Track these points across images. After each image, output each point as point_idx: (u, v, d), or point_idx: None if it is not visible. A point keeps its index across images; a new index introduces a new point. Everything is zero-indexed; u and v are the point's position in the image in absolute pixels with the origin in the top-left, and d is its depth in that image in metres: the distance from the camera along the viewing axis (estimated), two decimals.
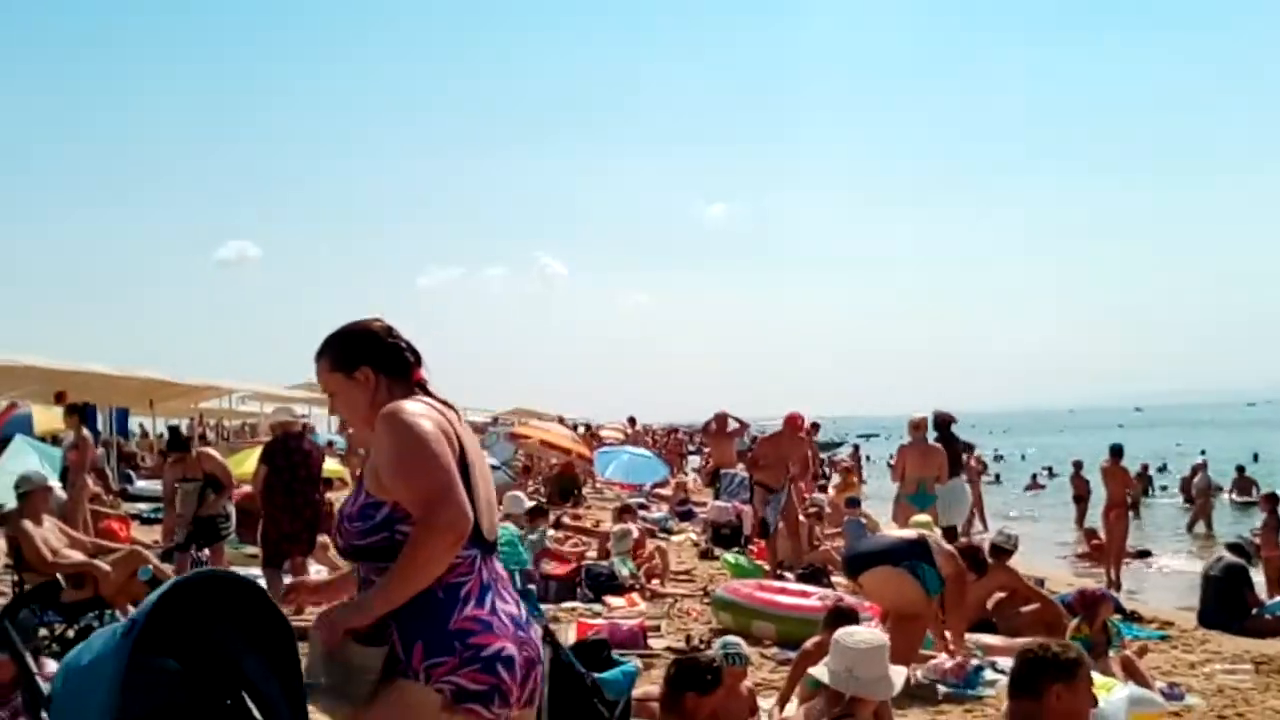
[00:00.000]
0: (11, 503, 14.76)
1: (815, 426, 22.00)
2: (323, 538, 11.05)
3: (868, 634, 5.02)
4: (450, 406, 3.26)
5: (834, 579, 11.78)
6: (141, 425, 33.08)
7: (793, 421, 13.81)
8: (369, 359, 3.27)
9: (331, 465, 17.00)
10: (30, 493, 8.91)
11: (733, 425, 18.81)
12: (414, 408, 3.12)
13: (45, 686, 2.99)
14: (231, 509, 11.17)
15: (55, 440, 22.43)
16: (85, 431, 13.95)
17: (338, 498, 18.76)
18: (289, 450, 10.38)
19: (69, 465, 11.79)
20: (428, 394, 3.27)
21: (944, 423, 13.91)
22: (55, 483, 9.97)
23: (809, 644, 6.86)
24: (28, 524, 8.70)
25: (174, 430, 14.05)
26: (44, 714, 2.96)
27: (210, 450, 13.04)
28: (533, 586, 5.44)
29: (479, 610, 3.04)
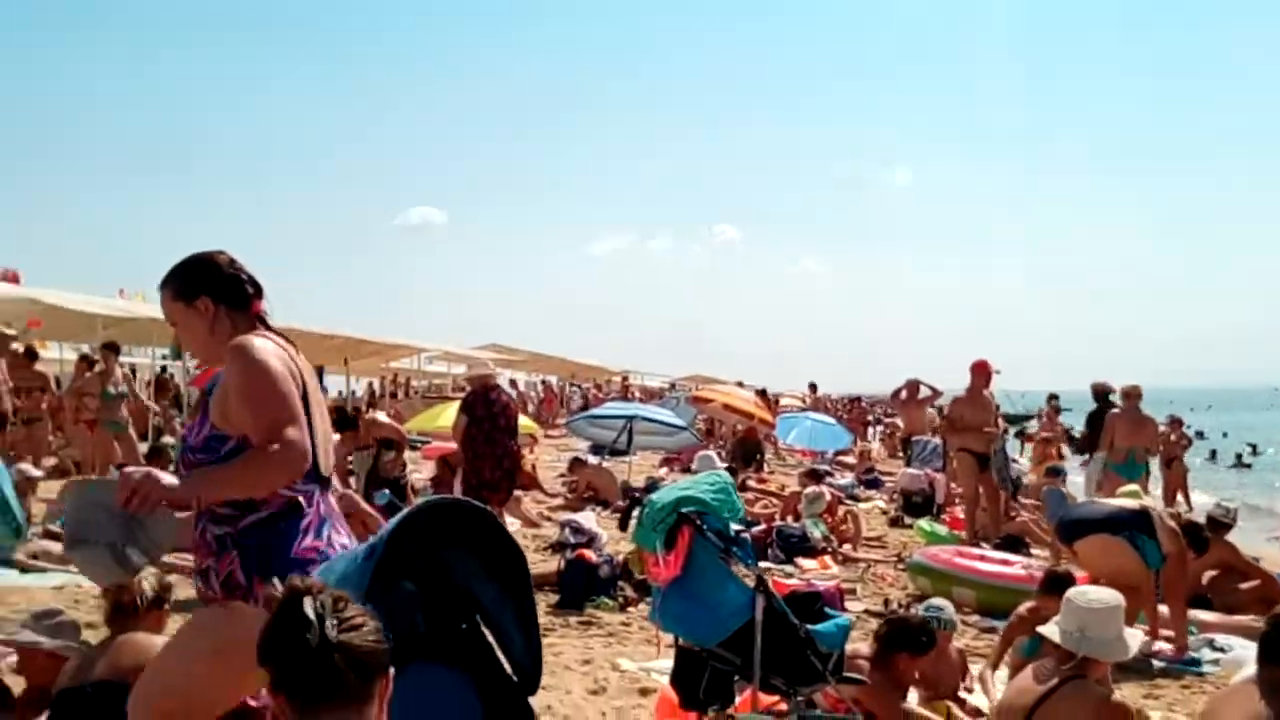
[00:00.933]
0: None
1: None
2: (517, 491, 11.24)
3: (1103, 593, 4.76)
4: (290, 342, 3.34)
5: (1033, 550, 11.43)
6: (335, 390, 34.24)
7: (982, 368, 12.85)
8: (208, 289, 3.32)
9: (524, 420, 17.27)
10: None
11: (924, 393, 18.34)
12: (262, 344, 3.21)
13: None
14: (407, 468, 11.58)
15: None
16: None
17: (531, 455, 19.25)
18: (488, 401, 10.60)
19: None
20: (267, 328, 3.35)
21: (1101, 393, 13.40)
22: None
23: (1022, 609, 6.62)
24: None
25: (340, 409, 14.45)
26: None
27: (379, 416, 13.42)
28: (747, 535, 5.33)
29: (318, 542, 3.20)
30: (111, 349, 15.02)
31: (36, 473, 11.46)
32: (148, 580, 4.09)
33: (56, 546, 9.47)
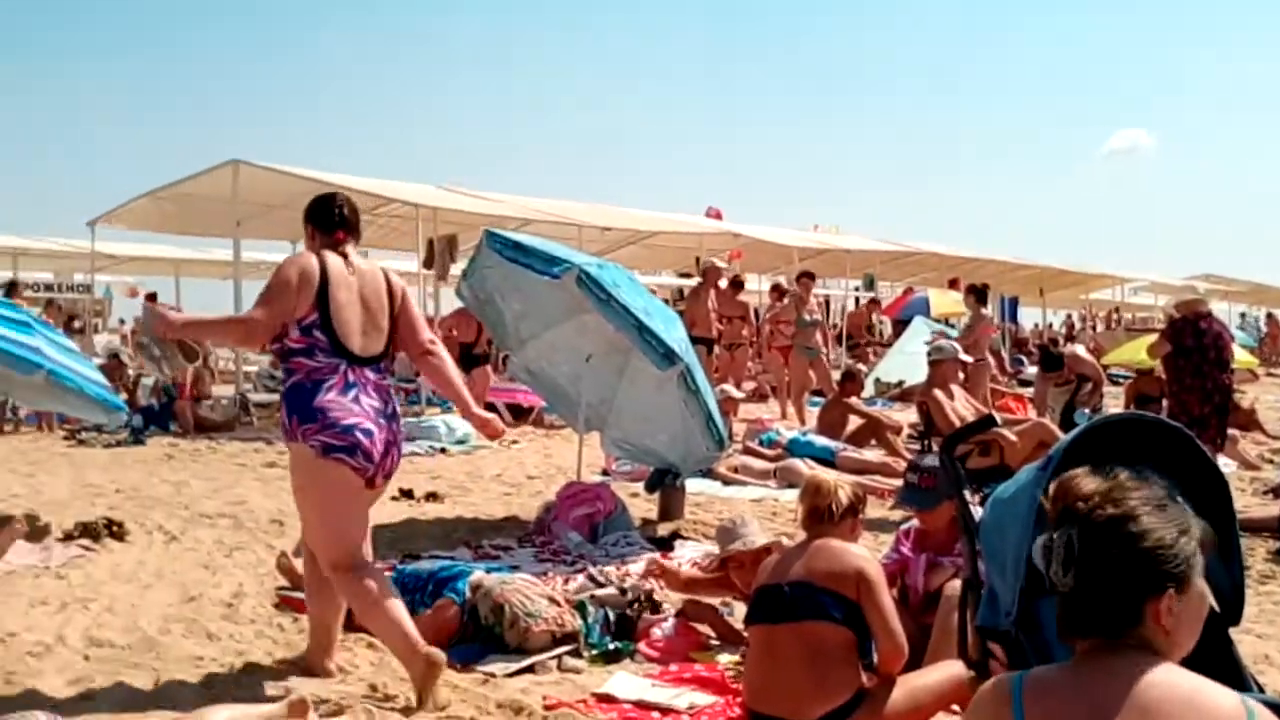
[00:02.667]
0: (911, 380, 15.72)
1: None
2: (1232, 431, 10.05)
3: None
4: (348, 264, 4.48)
5: None
6: (1031, 322, 33.31)
7: None
8: (311, 218, 4.67)
9: (1242, 355, 15.56)
10: (940, 362, 9.17)
11: None
12: (297, 258, 4.49)
13: (977, 514, 2.83)
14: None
15: (948, 322, 23.41)
16: (985, 310, 14.29)
17: (1251, 392, 17.41)
18: (1198, 332, 9.48)
19: (965, 346, 12.04)
20: (340, 251, 4.51)
21: None
22: (964, 357, 10.17)
23: None
24: (938, 392, 8.93)
25: (1044, 350, 13.84)
26: (976, 540, 2.89)
27: (1078, 350, 12.55)
28: None
29: (340, 397, 4.32)
30: (808, 277, 15.62)
31: (738, 394, 12.15)
32: (843, 489, 4.06)
33: (757, 463, 9.94)
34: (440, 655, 4.21)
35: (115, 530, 7.10)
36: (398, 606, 4.35)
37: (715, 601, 5.20)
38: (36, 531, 7.00)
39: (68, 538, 6.96)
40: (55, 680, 4.43)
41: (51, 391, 7.01)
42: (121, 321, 28.86)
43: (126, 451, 11.58)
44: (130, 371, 15.48)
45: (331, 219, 4.59)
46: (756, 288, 22.36)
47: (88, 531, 7.01)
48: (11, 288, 16.13)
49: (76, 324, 19.52)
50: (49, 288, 25.15)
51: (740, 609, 4.98)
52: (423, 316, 4.91)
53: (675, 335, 7.14)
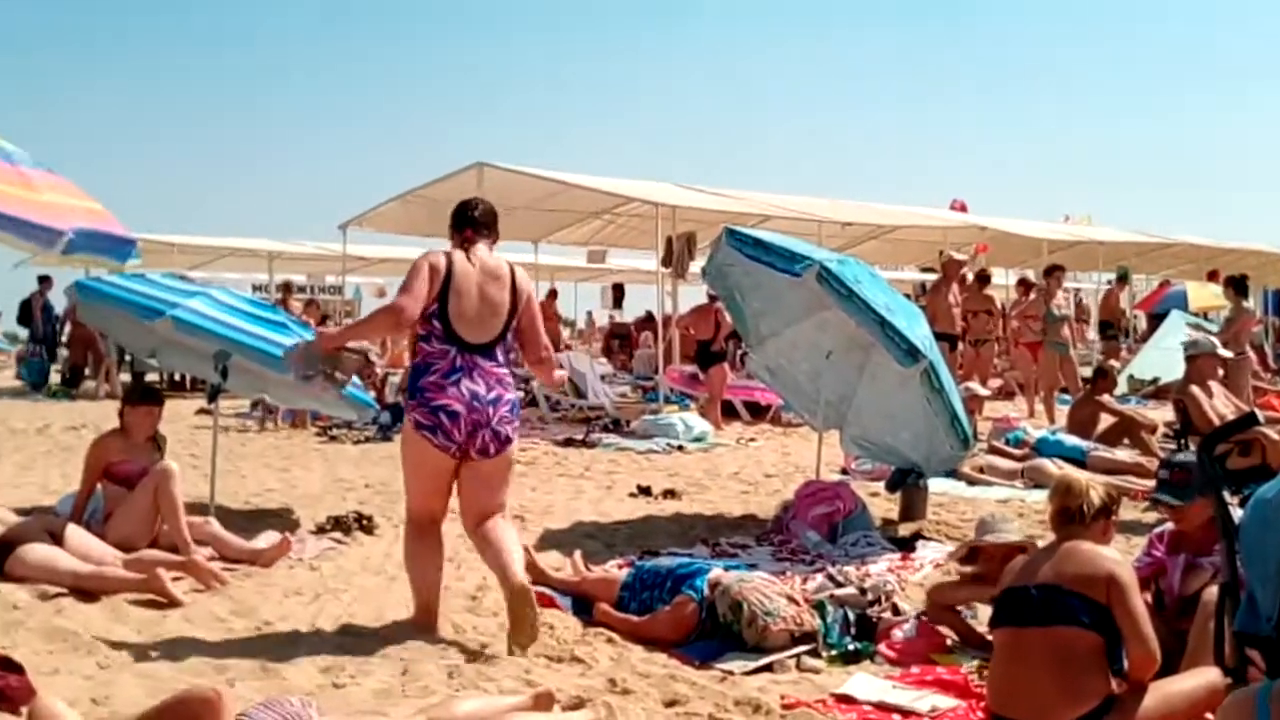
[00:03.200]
0: (1167, 377, 14.98)
1: None
2: None
3: None
4: (470, 259, 5.06)
5: None
6: None
7: None
8: (452, 221, 5.26)
9: None
10: (1197, 357, 8.86)
11: None
12: (429, 255, 5.04)
13: (1236, 516, 2.73)
14: None
15: (1206, 316, 22.19)
16: (1246, 304, 13.56)
17: None
18: None
19: (1224, 341, 11.38)
20: (467, 248, 5.10)
21: None
22: (1224, 352, 9.66)
23: None
24: (1195, 389, 8.59)
25: None
26: (1235, 542, 2.71)
27: None
28: None
29: (443, 380, 4.93)
30: (1058, 270, 15.12)
31: (983, 391, 11.84)
32: (1095, 490, 3.94)
33: (1003, 462, 9.68)
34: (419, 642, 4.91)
35: (365, 524, 7.40)
36: (435, 575, 5.17)
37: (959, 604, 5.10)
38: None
39: (320, 531, 7.31)
40: (309, 668, 4.58)
41: (306, 389, 7.35)
42: None
43: (375, 447, 11.97)
44: (378, 370, 16.24)
45: (461, 219, 5.21)
46: (1003, 281, 21.74)
47: (339, 525, 7.35)
48: (286, 290, 17.14)
49: (329, 324, 20.58)
50: (301, 289, 26.50)
51: (983, 611, 4.86)
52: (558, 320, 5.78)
53: (919, 331, 7.02)
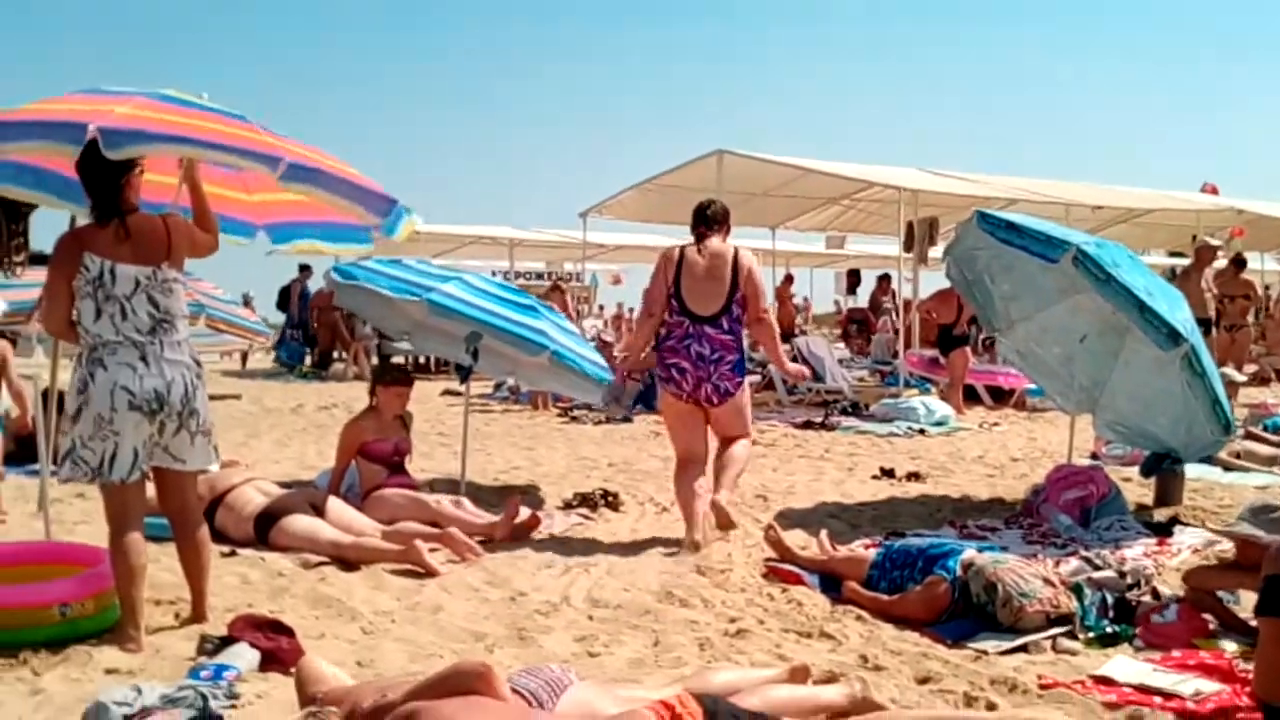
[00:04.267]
0: None
1: None
2: None
3: None
4: (700, 249, 6.48)
5: None
6: None
7: None
8: (691, 220, 6.60)
9: None
10: None
11: None
12: (666, 251, 6.68)
13: None
14: None
15: None
16: None
17: None
18: None
19: None
20: (700, 242, 6.48)
21: None
22: None
23: None
24: None
25: None
26: None
27: None
28: None
29: (677, 345, 6.35)
30: None
31: (1239, 377, 11.48)
32: None
33: (1262, 448, 9.26)
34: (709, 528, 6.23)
35: (610, 501, 7.60)
36: (698, 497, 6.28)
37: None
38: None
39: (567, 506, 7.55)
40: (563, 636, 4.71)
41: (553, 371, 7.64)
42: (601, 308, 30.78)
43: (616, 428, 12.25)
44: (616, 353, 16.62)
45: (697, 218, 6.57)
46: (1259, 266, 20.60)
47: (585, 501, 7.58)
48: (555, 283, 17.70)
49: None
50: (539, 276, 27.13)
51: (1246, 599, 4.69)
52: (767, 291, 6.84)
53: (1180, 316, 6.77)
